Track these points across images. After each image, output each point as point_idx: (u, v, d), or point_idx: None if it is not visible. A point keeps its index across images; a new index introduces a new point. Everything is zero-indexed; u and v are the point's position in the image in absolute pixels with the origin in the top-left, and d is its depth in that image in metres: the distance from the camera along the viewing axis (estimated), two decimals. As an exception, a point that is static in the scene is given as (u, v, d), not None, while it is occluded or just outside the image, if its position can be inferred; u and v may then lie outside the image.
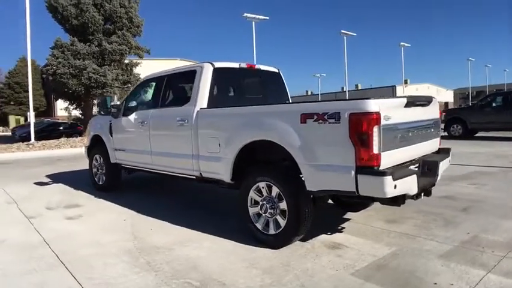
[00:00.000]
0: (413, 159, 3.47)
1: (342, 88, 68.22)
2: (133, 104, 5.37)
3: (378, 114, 2.76)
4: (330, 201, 4.13)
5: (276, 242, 3.45)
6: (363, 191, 2.83)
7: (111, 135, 5.80)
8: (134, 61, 21.79)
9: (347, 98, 41.45)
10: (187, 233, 4.04)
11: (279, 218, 3.43)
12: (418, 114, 3.40)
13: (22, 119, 35.71)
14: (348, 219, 4.35)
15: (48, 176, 8.15)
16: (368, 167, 2.79)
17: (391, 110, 2.91)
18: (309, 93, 75.24)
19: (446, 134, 14.52)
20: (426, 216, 4.38)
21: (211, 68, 4.29)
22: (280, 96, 5.16)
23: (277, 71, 5.24)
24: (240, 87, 4.84)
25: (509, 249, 3.27)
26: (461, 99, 73.39)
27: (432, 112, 3.75)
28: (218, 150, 3.89)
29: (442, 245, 3.45)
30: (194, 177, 4.32)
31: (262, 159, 3.68)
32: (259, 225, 3.58)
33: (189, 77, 4.42)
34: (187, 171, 4.38)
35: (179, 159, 4.44)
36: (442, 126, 14.56)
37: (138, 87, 5.59)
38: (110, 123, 5.80)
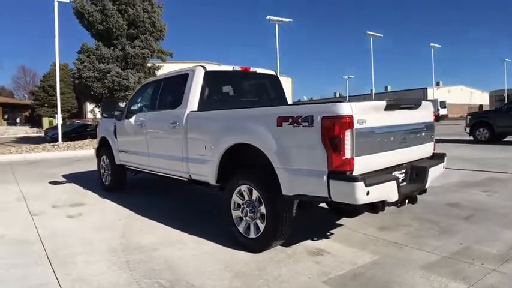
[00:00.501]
0: (400, 165, 3.34)
1: (371, 90, 66.84)
2: (135, 107, 5.51)
3: (350, 117, 2.68)
4: (324, 205, 4.05)
5: (256, 246, 3.42)
6: (335, 197, 2.76)
7: (116, 137, 5.96)
8: (156, 64, 22.30)
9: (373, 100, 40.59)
10: (176, 234, 4.09)
11: (258, 222, 3.40)
12: (403, 117, 3.27)
13: (54, 121, 37.36)
14: (339, 225, 4.26)
15: (64, 176, 8.47)
16: (340, 172, 2.71)
17: (366, 114, 2.82)
18: (337, 95, 74.18)
19: (472, 138, 13.91)
20: (423, 224, 4.21)
21: (202, 72, 4.33)
22: (277, 99, 5.12)
23: (274, 74, 5.21)
24: (234, 90, 4.85)
25: (500, 262, 3.08)
26: (497, 102, 70.01)
27: (423, 116, 3.60)
28: (204, 152, 3.91)
29: (430, 255, 3.30)
30: (186, 179, 4.36)
31: (246, 163, 3.66)
32: (241, 229, 3.57)
33: (182, 80, 4.48)
34: (179, 173, 4.44)
35: (172, 161, 4.50)
36: (468, 130, 14.07)
37: (139, 91, 5.72)
38: (115, 126, 5.96)
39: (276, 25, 31.53)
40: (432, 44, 43.77)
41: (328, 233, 3.99)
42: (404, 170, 3.36)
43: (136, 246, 3.72)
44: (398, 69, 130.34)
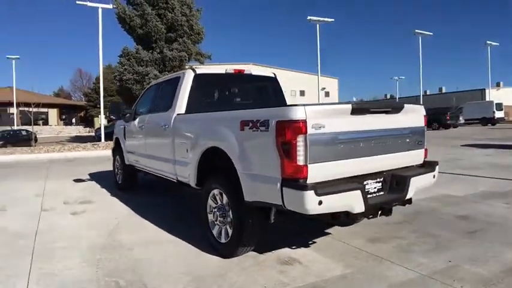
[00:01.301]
0: (377, 173, 3.11)
1: (426, 91, 63.47)
2: (140, 109, 5.67)
3: (303, 122, 2.53)
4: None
5: (225, 251, 3.36)
6: (288, 205, 2.62)
7: (125, 139, 6.18)
8: (193, 67, 22.85)
9: (421, 102, 38.60)
10: (160, 234, 4.14)
11: (228, 227, 3.34)
12: (378, 122, 3.03)
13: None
14: (327, 234, 4.06)
15: (90, 174, 8.95)
16: (292, 180, 2.58)
17: (326, 118, 2.64)
18: (388, 96, 71.50)
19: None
20: (420, 237, 3.89)
21: (192, 75, 4.35)
22: (275, 101, 5.01)
23: (273, 76, 5.10)
24: (227, 93, 4.81)
25: (484, 286, 2.76)
26: None
27: (408, 120, 3.31)
28: (186, 155, 3.92)
29: (408, 272, 3.03)
30: (175, 180, 4.41)
31: (220, 167, 3.62)
32: (214, 232, 3.53)
33: (175, 83, 4.53)
34: (169, 174, 4.50)
35: (163, 163, 4.58)
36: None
37: (144, 93, 5.88)
38: (124, 127, 6.18)
39: (317, 25, 31.10)
40: (488, 42, 40.77)
41: (311, 242, 3.82)
42: (382, 179, 3.12)
43: (116, 245, 3.81)
44: (455, 69, 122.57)
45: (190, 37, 21.51)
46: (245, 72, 4.80)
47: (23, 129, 26.93)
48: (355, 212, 2.74)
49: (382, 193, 3.12)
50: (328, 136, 2.66)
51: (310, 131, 2.55)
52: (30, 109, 23.53)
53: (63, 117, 51.12)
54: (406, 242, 3.76)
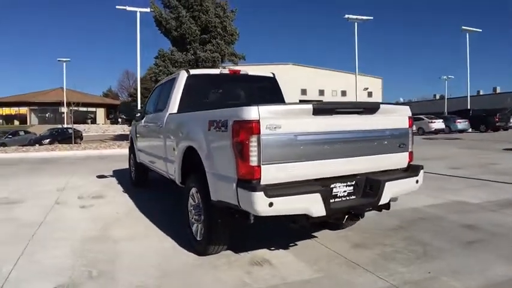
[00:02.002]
0: (348, 176, 3.00)
1: (478, 91, 59.53)
2: (147, 108, 5.89)
3: (256, 122, 2.52)
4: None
5: (199, 248, 3.42)
6: (243, 206, 2.62)
7: (136, 137, 6.44)
8: (226, 67, 23.21)
9: (468, 103, 36.24)
10: (151, 230, 4.29)
11: (202, 225, 3.39)
12: (348, 123, 2.92)
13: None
14: (312, 237, 3.97)
15: (114, 171, 9.40)
16: (246, 181, 2.57)
17: (283, 118, 2.61)
18: (437, 97, 68.06)
19: None
20: (409, 245, 3.69)
21: (185, 75, 4.45)
22: (271, 101, 4.97)
23: (271, 76, 5.08)
24: (221, 94, 4.85)
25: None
26: None
27: (387, 121, 3.15)
28: (173, 153, 4.02)
29: (378, 281, 2.90)
30: (169, 178, 4.54)
31: (197, 165, 3.67)
32: (193, 230, 3.59)
33: (171, 83, 4.66)
34: (163, 172, 4.65)
35: (160, 161, 4.73)
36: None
37: (151, 93, 6.09)
38: (136, 127, 6.45)
39: (355, 23, 30.31)
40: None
41: (293, 244, 3.77)
42: (353, 183, 3.01)
43: (105, 238, 4.01)
44: (509, 67, 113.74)
45: (224, 38, 21.85)
46: (241, 72, 4.83)
47: (70, 128, 28.79)
48: (314, 215, 2.67)
49: (353, 197, 3.01)
50: (285, 137, 2.62)
51: (264, 131, 2.53)
52: (75, 108, 25.10)
53: (110, 116, 53.99)
54: (391, 249, 3.60)
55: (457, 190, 6.22)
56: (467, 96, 37.18)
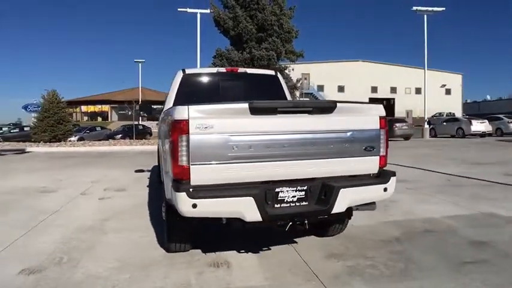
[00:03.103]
0: (298, 180, 2.78)
1: None
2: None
3: (185, 122, 2.47)
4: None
5: (166, 245, 3.46)
6: (175, 206, 2.59)
7: (159, 136, 6.74)
8: (283, 66, 23.09)
9: None
10: (142, 224, 4.47)
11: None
12: (296, 123, 2.70)
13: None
14: (292, 242, 3.77)
15: (155, 166, 9.92)
16: (177, 181, 2.54)
17: (216, 118, 2.51)
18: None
19: None
20: (390, 260, 3.28)
21: (180, 75, 4.54)
22: (271, 98, 4.83)
23: (271, 74, 4.94)
24: (218, 92, 4.82)
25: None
26: None
27: (344, 122, 2.83)
28: (162, 150, 4.13)
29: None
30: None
31: None
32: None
33: (171, 83, 4.79)
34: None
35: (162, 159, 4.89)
36: None
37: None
38: (160, 126, 6.75)
39: (425, 16, 28.00)
40: None
41: (266, 248, 3.61)
42: (305, 187, 2.79)
43: (97, 228, 4.28)
44: None
45: (280, 36, 21.77)
46: (239, 70, 4.77)
47: (140, 124, 31.07)
48: (248, 220, 2.54)
49: (305, 203, 2.79)
50: (218, 137, 2.52)
51: (193, 131, 2.47)
52: (133, 105, 26.66)
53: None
54: (367, 263, 3.25)
55: (493, 200, 5.43)
56: None
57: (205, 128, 2.49)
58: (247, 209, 2.51)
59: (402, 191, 6.30)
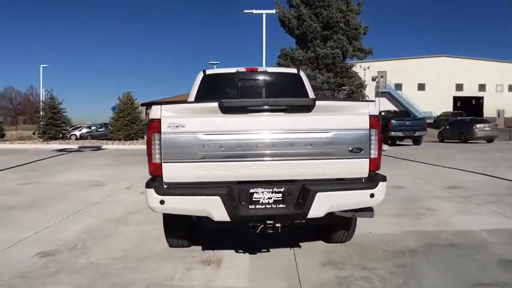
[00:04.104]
0: (275, 181, 2.69)
1: None
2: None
3: (158, 121, 2.56)
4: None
5: (167, 241, 3.59)
6: None
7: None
8: (349, 64, 22.29)
9: None
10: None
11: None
12: (271, 122, 2.60)
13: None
14: (295, 246, 3.65)
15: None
16: (153, 177, 2.65)
17: (186, 117, 2.55)
18: None
19: None
20: (388, 274, 2.98)
21: (201, 75, 4.68)
22: (292, 96, 4.72)
23: (293, 72, 4.82)
24: (238, 92, 4.83)
25: None
26: None
27: (326, 122, 2.63)
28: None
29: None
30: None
31: None
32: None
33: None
34: None
35: None
36: None
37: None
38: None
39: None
40: None
41: (265, 250, 3.54)
42: (282, 189, 2.68)
43: (122, 220, 4.65)
44: None
45: (346, 33, 21.05)
46: (259, 70, 4.74)
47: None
48: (216, 219, 2.54)
49: (282, 205, 2.68)
50: (189, 136, 2.56)
51: (165, 129, 2.55)
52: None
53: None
54: (363, 275, 3.00)
55: None
56: None
57: (177, 126, 2.55)
58: (214, 209, 2.51)
59: (449, 199, 5.68)
